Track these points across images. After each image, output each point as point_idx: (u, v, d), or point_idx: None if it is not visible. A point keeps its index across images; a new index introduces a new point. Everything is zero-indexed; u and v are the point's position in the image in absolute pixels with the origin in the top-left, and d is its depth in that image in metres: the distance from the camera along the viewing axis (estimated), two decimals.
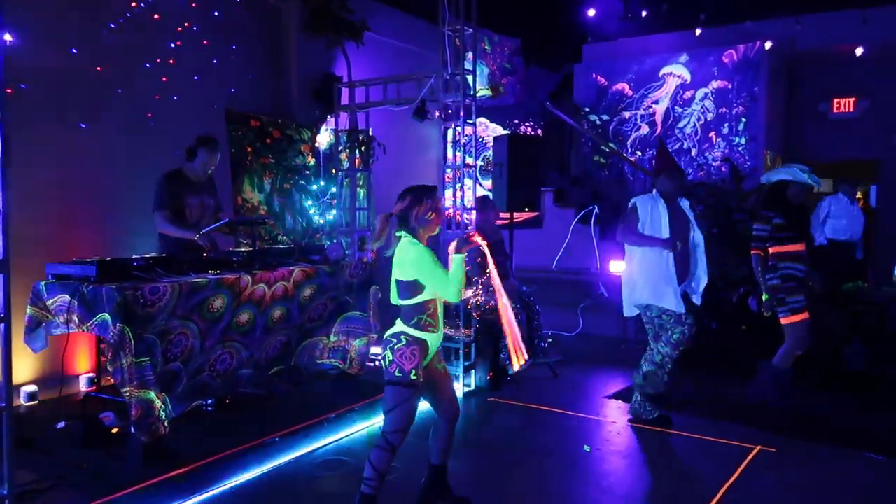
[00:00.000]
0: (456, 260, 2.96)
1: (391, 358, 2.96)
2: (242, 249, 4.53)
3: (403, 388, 2.94)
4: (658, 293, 4.48)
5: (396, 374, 2.94)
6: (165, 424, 3.41)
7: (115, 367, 3.21)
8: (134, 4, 5.42)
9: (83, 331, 3.32)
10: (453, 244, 3.01)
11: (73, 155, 5.08)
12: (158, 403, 3.36)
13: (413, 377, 2.94)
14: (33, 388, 4.77)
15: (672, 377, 4.63)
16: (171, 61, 5.71)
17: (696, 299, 4.62)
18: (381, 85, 5.66)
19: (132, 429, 3.36)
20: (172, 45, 5.70)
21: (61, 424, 4.08)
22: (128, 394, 3.27)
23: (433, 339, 3.04)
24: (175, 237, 4.48)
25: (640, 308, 4.63)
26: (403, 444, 3.03)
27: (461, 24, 5.10)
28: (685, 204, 4.69)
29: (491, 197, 6.28)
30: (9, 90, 2.99)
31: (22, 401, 4.73)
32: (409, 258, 2.94)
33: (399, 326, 3.02)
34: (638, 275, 4.58)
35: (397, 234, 3.02)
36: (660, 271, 4.47)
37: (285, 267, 4.26)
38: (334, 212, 6.68)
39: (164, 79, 5.65)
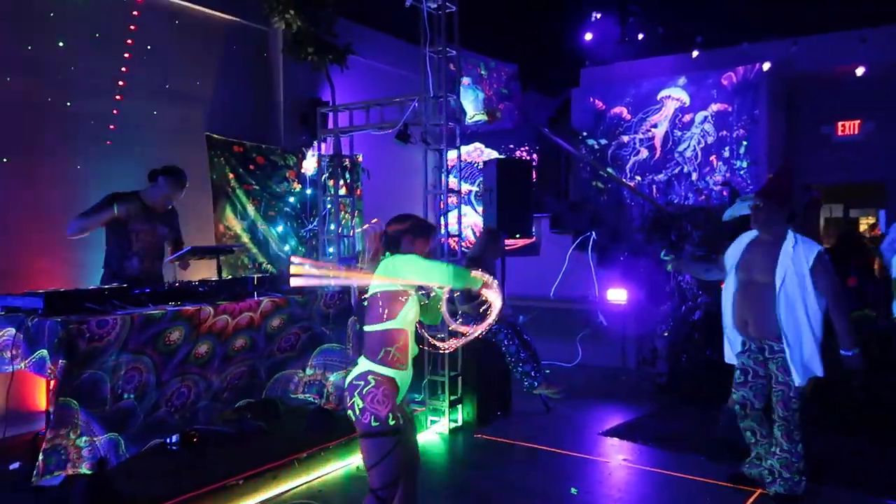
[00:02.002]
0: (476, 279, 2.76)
1: (361, 405, 2.62)
2: (212, 279, 4.32)
3: (384, 438, 2.62)
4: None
5: (373, 423, 2.60)
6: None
7: (54, 408, 2.99)
8: (113, 26, 5.33)
9: (23, 368, 3.11)
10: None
11: (47, 182, 4.94)
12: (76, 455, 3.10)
13: (392, 422, 2.62)
14: None
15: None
16: (150, 85, 5.60)
17: (795, 376, 3.65)
18: (365, 109, 5.50)
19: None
20: (152, 69, 5.59)
21: (15, 465, 3.87)
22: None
23: (402, 378, 2.73)
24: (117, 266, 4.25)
25: None
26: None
27: (443, 46, 4.94)
28: (790, 239, 3.74)
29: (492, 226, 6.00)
30: None
31: None
32: (399, 261, 2.72)
33: (364, 366, 2.71)
34: None
35: (382, 256, 2.81)
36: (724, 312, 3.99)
37: (254, 297, 4.05)
38: (315, 240, 6.50)
39: (144, 103, 5.54)
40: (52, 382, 3.03)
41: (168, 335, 3.45)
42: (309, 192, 6.62)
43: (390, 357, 2.68)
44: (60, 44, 5.00)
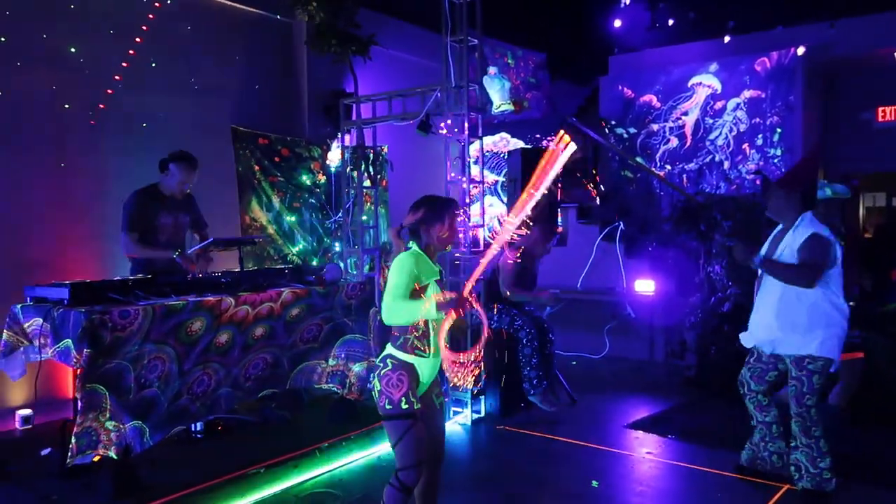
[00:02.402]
0: (429, 311, 2.63)
1: (379, 387, 2.71)
2: (234, 270, 4.37)
3: (398, 421, 2.69)
4: None
5: (386, 406, 2.69)
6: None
7: (81, 394, 3.06)
8: (138, 19, 5.41)
9: (49, 356, 3.18)
10: (440, 297, 2.66)
11: (76, 175, 5.04)
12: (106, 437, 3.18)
13: (404, 406, 2.67)
14: (28, 412, 4.69)
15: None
16: (176, 79, 5.67)
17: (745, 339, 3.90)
18: (387, 100, 5.48)
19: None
20: (177, 62, 5.66)
21: (46, 451, 3.97)
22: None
23: (423, 365, 2.75)
24: (145, 258, 4.34)
25: None
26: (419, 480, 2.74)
27: (465, 35, 4.89)
28: (802, 225, 3.67)
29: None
30: None
31: (17, 425, 4.66)
32: (392, 265, 2.71)
33: (387, 349, 2.80)
34: None
35: (408, 247, 2.79)
36: None
37: (275, 288, 4.08)
38: (340, 231, 6.52)
39: (169, 97, 5.61)
40: (79, 370, 3.09)
41: (189, 325, 3.50)
42: (334, 183, 6.64)
43: (409, 344, 2.74)
44: (84, 37, 5.08)
